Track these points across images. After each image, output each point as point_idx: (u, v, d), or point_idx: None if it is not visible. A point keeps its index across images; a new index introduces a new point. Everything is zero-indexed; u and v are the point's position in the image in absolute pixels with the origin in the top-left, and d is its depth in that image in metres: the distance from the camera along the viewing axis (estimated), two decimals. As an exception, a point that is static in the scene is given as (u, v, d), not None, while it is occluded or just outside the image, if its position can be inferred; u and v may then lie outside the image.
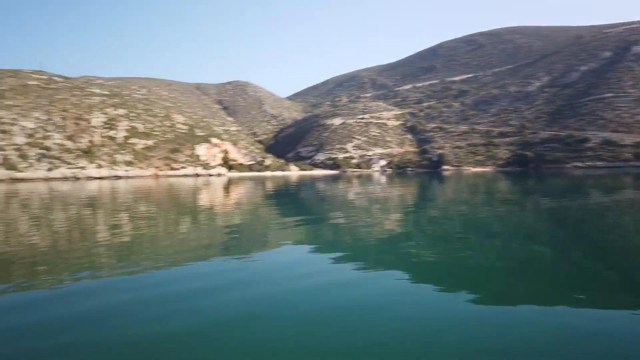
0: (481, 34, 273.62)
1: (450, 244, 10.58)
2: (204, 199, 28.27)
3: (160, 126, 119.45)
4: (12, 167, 77.67)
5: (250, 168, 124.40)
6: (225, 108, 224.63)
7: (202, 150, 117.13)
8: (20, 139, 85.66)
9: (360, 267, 8.07)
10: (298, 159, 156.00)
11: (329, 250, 9.86)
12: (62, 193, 35.40)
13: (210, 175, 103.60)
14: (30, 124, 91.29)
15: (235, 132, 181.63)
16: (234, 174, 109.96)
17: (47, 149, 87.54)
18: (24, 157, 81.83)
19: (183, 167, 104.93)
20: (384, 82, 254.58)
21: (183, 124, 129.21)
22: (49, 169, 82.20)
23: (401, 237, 11.89)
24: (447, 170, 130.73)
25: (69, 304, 6.02)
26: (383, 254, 9.51)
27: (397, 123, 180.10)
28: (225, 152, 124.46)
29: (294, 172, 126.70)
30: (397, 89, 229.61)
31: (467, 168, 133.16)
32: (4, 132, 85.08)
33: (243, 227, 14.43)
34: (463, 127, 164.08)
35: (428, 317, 5.44)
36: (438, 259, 8.89)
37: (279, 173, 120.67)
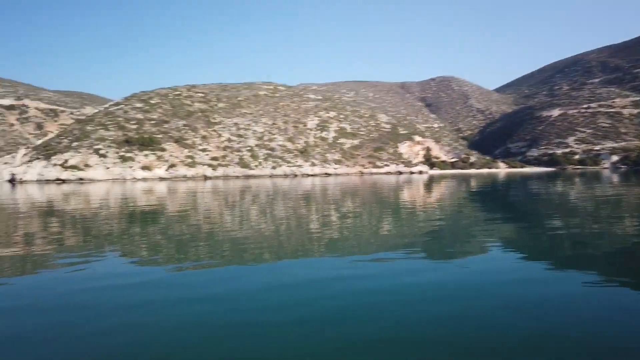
0: None
1: None
2: (405, 196, 28.62)
3: (365, 126, 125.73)
4: (245, 165, 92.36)
5: (453, 165, 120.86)
6: (428, 105, 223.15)
7: (404, 148, 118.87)
8: (252, 142, 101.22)
9: (580, 280, 6.99)
10: (507, 156, 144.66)
11: (538, 257, 8.84)
12: (284, 188, 40.44)
13: (412, 172, 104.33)
14: (259, 129, 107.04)
15: (438, 129, 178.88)
16: (436, 172, 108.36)
17: (272, 149, 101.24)
18: (254, 157, 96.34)
19: (386, 165, 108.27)
20: (618, 63, 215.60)
21: (387, 123, 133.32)
22: (273, 167, 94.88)
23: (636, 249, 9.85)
24: None
25: (290, 276, 6.85)
26: (615, 266, 8.03)
27: (635, 111, 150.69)
28: (428, 149, 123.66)
29: (501, 170, 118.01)
30: (637, 70, 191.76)
31: None
32: (240, 136, 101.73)
33: (443, 226, 14.07)
34: None
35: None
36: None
37: (484, 171, 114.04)
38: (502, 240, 10.91)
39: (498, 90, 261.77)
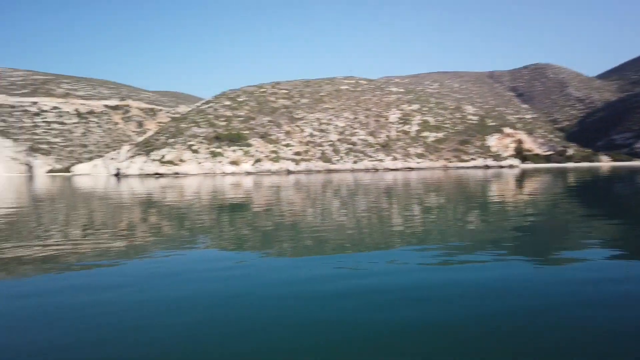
0: None
1: None
2: (493, 192, 27.21)
3: (450, 118, 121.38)
4: (327, 160, 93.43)
5: (547, 159, 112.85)
6: (519, 95, 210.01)
7: (493, 141, 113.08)
8: (333, 136, 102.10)
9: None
10: (611, 148, 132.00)
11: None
12: (365, 182, 40.35)
13: (501, 166, 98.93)
14: (341, 123, 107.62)
15: (531, 120, 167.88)
16: (528, 166, 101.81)
17: (353, 144, 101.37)
18: (336, 151, 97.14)
19: (472, 159, 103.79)
20: None
21: (473, 114, 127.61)
22: (355, 162, 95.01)
23: None
24: None
25: (370, 267, 6.81)
26: None
27: None
28: (519, 142, 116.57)
29: (604, 163, 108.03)
30: None
31: None
32: (322, 131, 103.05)
33: (535, 224, 13.15)
34: None
35: None
36: None
37: (584, 164, 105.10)
38: (600, 238, 9.97)
39: (600, 77, 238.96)
